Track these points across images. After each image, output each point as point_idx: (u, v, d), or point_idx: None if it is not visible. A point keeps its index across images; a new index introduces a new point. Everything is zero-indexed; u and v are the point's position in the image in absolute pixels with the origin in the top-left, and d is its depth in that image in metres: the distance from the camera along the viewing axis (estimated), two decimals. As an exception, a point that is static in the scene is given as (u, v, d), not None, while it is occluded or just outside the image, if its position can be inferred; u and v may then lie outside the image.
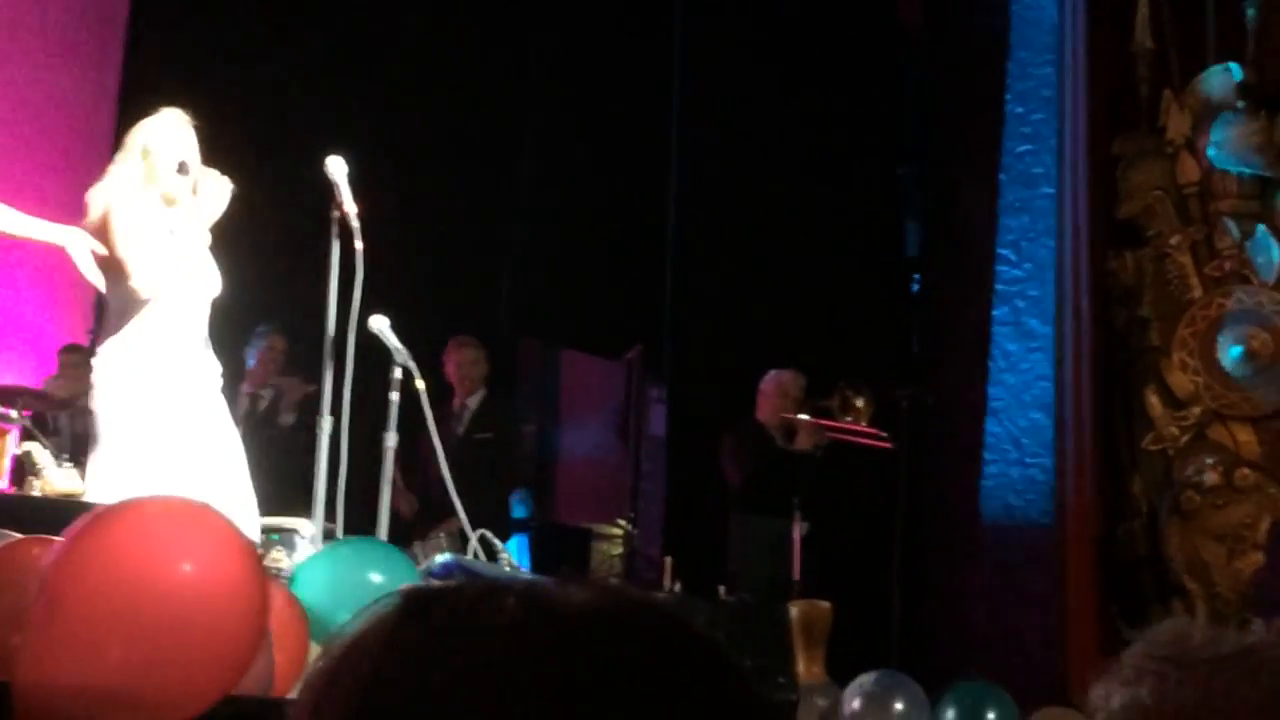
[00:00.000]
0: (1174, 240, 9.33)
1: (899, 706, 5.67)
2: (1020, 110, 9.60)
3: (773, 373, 7.94)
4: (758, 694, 0.75)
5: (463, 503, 6.14)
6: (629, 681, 0.69)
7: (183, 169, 5.37)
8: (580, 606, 0.71)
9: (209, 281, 5.48)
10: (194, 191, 5.41)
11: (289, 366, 7.54)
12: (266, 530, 6.00)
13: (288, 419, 7.51)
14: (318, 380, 6.87)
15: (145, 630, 2.97)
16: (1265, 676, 0.85)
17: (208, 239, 5.48)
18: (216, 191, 5.43)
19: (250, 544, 3.24)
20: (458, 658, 0.68)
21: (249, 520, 5.36)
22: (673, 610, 0.76)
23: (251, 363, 7.60)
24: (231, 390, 6.12)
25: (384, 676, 0.68)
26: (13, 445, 6.04)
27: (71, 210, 5.38)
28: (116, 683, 2.93)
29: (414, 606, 0.72)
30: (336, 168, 5.65)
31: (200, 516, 3.18)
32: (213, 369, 5.51)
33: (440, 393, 7.46)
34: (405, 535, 6.96)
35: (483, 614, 0.70)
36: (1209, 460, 9.00)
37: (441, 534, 6.93)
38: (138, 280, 5.23)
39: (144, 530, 3.09)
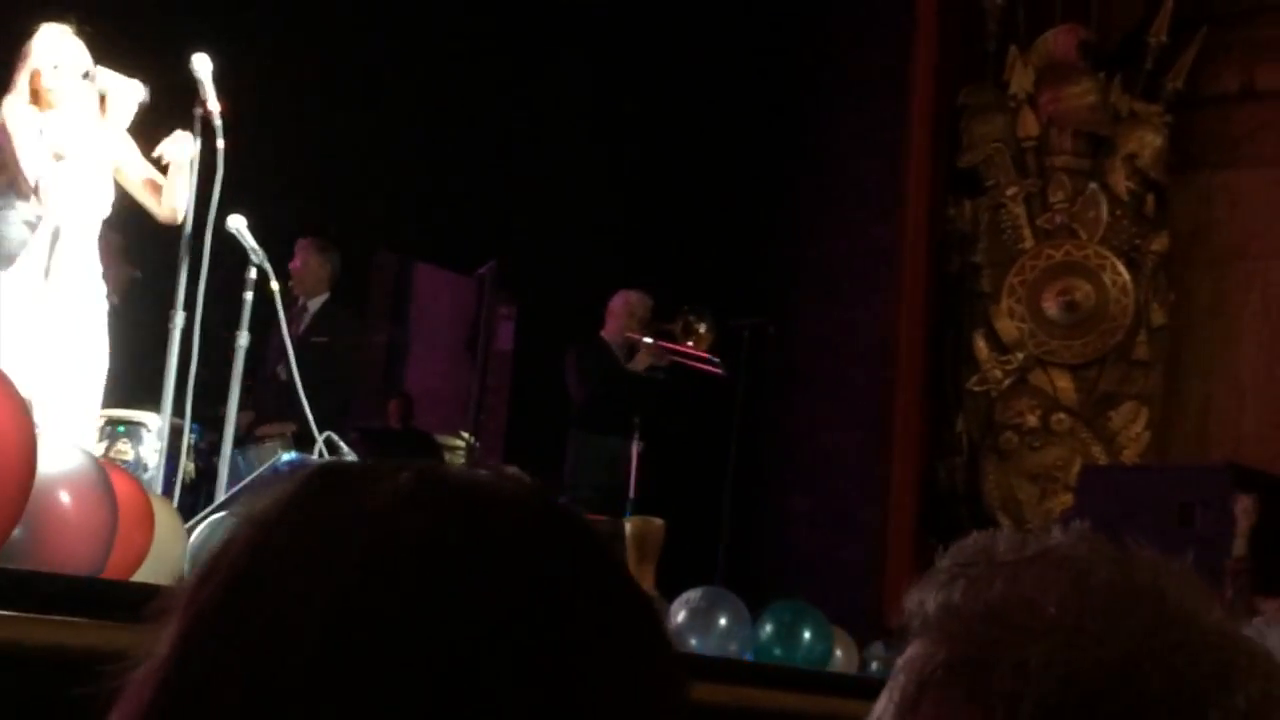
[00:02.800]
0: (1010, 191, 9.68)
1: (722, 621, 5.81)
2: (871, 58, 9.83)
3: (621, 292, 8.07)
4: (629, 578, 0.76)
5: (287, 403, 6.21)
6: (501, 547, 0.70)
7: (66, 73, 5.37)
8: (470, 479, 0.74)
9: (96, 196, 5.48)
10: (101, 105, 5.41)
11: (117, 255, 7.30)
12: (114, 422, 6.05)
13: (111, 299, 7.31)
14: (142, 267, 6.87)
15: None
16: (1067, 569, 0.89)
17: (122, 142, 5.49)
18: (124, 97, 5.43)
19: (20, 400, 3.11)
20: (342, 523, 0.71)
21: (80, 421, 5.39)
22: (562, 501, 0.78)
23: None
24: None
25: (270, 541, 0.72)
26: None
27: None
28: None
29: (316, 479, 0.74)
30: (201, 65, 5.65)
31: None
32: (90, 279, 5.50)
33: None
34: (239, 435, 6.92)
35: (379, 484, 0.73)
36: (1029, 403, 9.40)
37: (276, 439, 6.96)
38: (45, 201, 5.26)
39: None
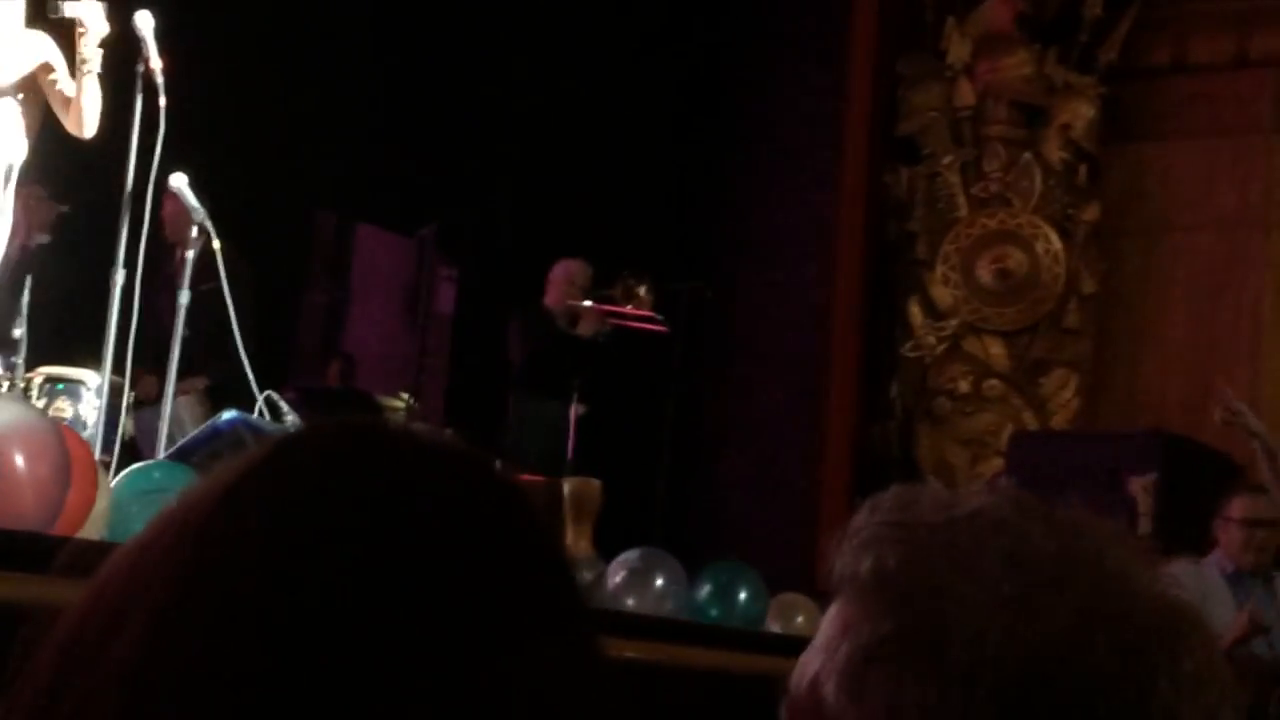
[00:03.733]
0: (946, 160, 9.79)
1: (659, 582, 5.87)
2: (810, 25, 9.89)
3: (562, 261, 8.09)
4: (550, 541, 0.73)
5: (192, 357, 6.21)
6: (406, 492, 0.68)
7: None
8: (374, 423, 0.72)
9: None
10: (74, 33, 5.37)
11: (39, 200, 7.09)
12: (53, 380, 6.04)
13: (41, 238, 7.15)
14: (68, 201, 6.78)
15: None
16: (1005, 534, 0.88)
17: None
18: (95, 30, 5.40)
19: None
20: (231, 475, 0.69)
21: None
22: (488, 459, 0.73)
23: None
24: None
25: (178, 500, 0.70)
26: None
27: None
28: None
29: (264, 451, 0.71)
30: (144, 22, 5.63)
31: None
32: None
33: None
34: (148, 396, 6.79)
35: (309, 446, 0.71)
36: (961, 369, 9.54)
37: (189, 394, 6.88)
38: None
39: None
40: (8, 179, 5.45)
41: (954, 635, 0.84)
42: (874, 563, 0.88)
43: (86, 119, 5.48)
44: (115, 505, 4.04)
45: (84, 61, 5.38)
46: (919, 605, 0.86)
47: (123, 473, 4.45)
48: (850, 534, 0.91)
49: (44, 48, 5.49)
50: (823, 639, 0.91)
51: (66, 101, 5.48)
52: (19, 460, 3.27)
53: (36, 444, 3.18)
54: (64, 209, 7.01)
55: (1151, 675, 0.84)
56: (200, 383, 6.93)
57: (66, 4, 5.40)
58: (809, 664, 0.91)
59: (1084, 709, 0.83)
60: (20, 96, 5.45)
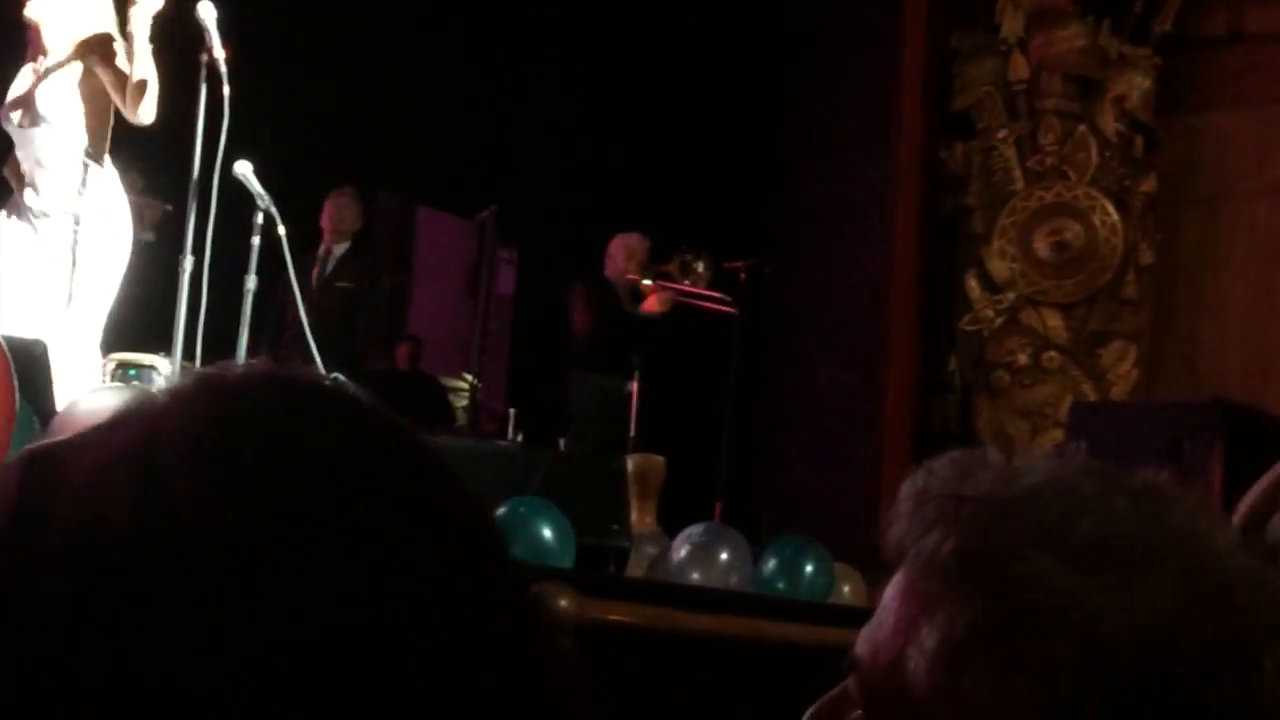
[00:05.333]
0: (1001, 134, 9.77)
1: (724, 556, 5.89)
2: (864, 1, 9.90)
3: (620, 235, 8.16)
4: (444, 471, 0.72)
5: (316, 349, 6.33)
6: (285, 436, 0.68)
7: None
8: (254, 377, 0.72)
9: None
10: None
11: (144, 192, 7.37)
12: (125, 365, 6.14)
13: (146, 236, 7.37)
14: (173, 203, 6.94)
15: None
16: (1093, 512, 0.84)
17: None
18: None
19: None
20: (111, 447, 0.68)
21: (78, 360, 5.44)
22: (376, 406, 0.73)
23: None
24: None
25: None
26: None
27: None
28: None
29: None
30: (206, 12, 5.71)
31: None
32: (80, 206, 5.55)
33: (306, 241, 7.60)
34: None
35: (177, 402, 0.69)
36: (1020, 342, 9.54)
37: None
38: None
39: None
40: (70, 147, 5.52)
41: (1059, 626, 0.82)
42: (957, 543, 0.85)
43: (142, 102, 5.53)
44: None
45: (133, 36, 5.44)
46: (1017, 593, 0.83)
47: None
48: (912, 503, 0.89)
49: (107, 20, 5.55)
50: (894, 616, 0.88)
51: (123, 83, 5.52)
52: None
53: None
54: (169, 207, 7.13)
55: (1256, 654, 0.83)
56: None
57: None
58: (883, 642, 0.88)
59: (1194, 693, 0.81)
60: (82, 65, 5.52)
